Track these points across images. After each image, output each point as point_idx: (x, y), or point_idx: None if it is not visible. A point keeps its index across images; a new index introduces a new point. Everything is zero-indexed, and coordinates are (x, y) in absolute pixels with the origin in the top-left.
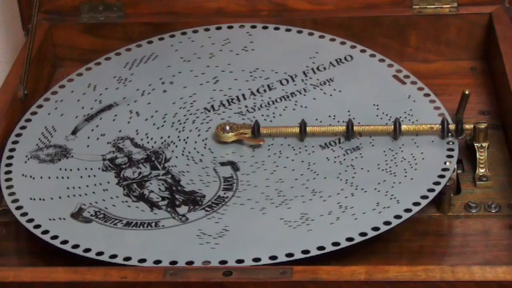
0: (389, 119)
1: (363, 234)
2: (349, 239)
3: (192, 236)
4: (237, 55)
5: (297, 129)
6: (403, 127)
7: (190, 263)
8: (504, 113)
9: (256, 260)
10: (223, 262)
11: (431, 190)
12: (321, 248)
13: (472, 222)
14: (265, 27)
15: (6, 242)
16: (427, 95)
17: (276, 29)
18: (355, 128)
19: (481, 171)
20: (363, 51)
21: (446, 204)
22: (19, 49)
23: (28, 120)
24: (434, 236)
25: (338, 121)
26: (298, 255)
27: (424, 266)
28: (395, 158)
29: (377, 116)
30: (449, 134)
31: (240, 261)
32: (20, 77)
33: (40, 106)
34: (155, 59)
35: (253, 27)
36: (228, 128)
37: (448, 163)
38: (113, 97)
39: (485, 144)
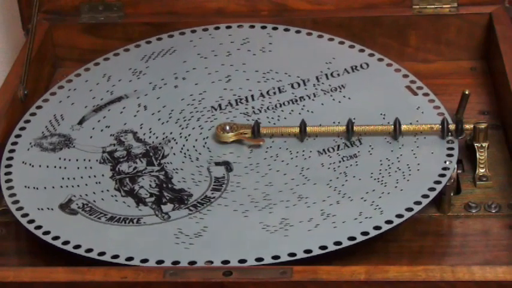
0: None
1: (337, 243)
2: (323, 247)
3: (170, 234)
4: (254, 55)
5: (297, 130)
6: (403, 127)
7: (160, 262)
8: (504, 113)
9: (225, 262)
10: (192, 263)
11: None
12: (292, 254)
13: (472, 222)
14: (286, 30)
15: (6, 242)
16: (380, 59)
17: (298, 32)
18: (355, 128)
19: (481, 171)
20: (380, 59)
21: (446, 204)
22: (19, 49)
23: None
24: (434, 236)
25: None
26: (268, 260)
27: (424, 266)
28: (390, 167)
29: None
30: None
31: (209, 262)
32: (20, 77)
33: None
34: (173, 53)
35: (275, 28)
36: (228, 128)
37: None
38: (125, 89)
39: (485, 144)
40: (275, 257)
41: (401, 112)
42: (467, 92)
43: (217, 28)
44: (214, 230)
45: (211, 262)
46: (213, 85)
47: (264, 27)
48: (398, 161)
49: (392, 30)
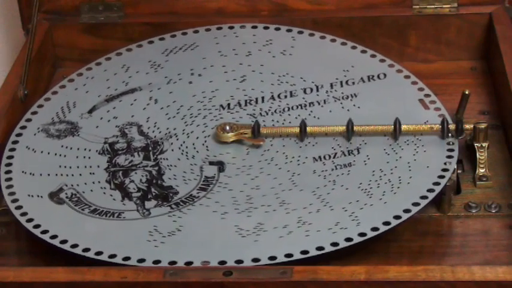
0: (396, 143)
1: (304, 252)
2: (288, 255)
3: (145, 231)
4: (273, 57)
5: (297, 130)
6: (403, 127)
7: (127, 258)
8: (504, 113)
9: (188, 263)
10: (156, 262)
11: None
12: (255, 260)
13: (472, 222)
14: (311, 35)
15: (6, 242)
16: (399, 71)
17: (322, 37)
18: (355, 128)
19: (481, 171)
20: (399, 71)
21: (446, 204)
22: (19, 49)
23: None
24: (434, 236)
25: (344, 136)
26: (231, 263)
27: (424, 266)
28: (381, 178)
29: (384, 136)
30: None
31: (172, 262)
32: (20, 77)
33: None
34: (194, 49)
35: (300, 32)
36: (228, 128)
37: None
38: (140, 81)
39: (485, 144)
40: (238, 261)
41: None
42: (467, 92)
43: (243, 27)
44: (187, 230)
45: (175, 262)
46: (226, 84)
47: (289, 30)
48: (392, 173)
49: (392, 30)
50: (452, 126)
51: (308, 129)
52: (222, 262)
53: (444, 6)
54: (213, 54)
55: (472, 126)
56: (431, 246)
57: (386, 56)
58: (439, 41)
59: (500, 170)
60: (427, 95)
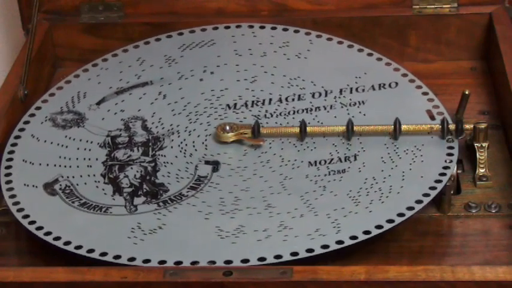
0: (395, 152)
1: (277, 256)
2: (261, 259)
3: (127, 228)
4: (288, 60)
5: (297, 129)
6: (403, 127)
7: (103, 254)
8: (504, 113)
9: (162, 262)
10: (131, 259)
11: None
12: (228, 262)
13: (472, 222)
14: (329, 39)
15: (6, 242)
16: (412, 80)
17: (340, 43)
18: (355, 128)
19: (481, 171)
20: (412, 81)
21: (446, 204)
22: (19, 49)
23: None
24: (434, 236)
25: (344, 142)
26: (203, 264)
27: (424, 266)
28: (372, 187)
29: (385, 144)
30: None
31: (146, 261)
32: (20, 77)
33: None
34: (211, 46)
35: (319, 36)
36: (228, 128)
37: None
38: (153, 75)
39: (485, 144)
40: (211, 262)
41: (410, 136)
42: (467, 92)
43: (262, 27)
44: (168, 229)
45: (149, 261)
46: (236, 83)
47: (308, 34)
48: (384, 182)
49: (392, 30)
50: (452, 126)
51: (308, 129)
52: (194, 263)
53: (444, 6)
54: (229, 53)
55: (472, 126)
56: (431, 246)
57: (387, 56)
58: (439, 41)
59: (500, 170)
60: (435, 106)
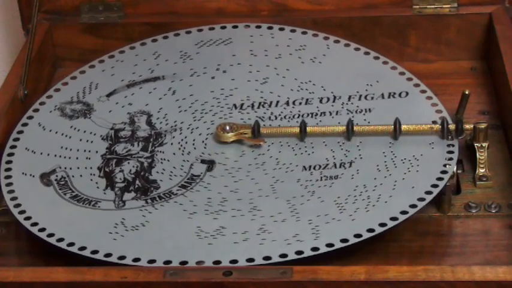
0: (392, 161)
1: (249, 260)
2: (233, 261)
3: (111, 224)
4: (302, 63)
5: (297, 129)
6: (403, 127)
7: (82, 248)
8: (504, 113)
9: (136, 260)
10: (107, 255)
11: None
12: (200, 262)
13: (472, 222)
14: (347, 45)
15: (6, 242)
16: (423, 91)
17: (357, 49)
18: (355, 128)
19: (481, 171)
20: (423, 91)
21: (446, 204)
22: (19, 49)
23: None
24: (434, 236)
25: (342, 149)
26: (175, 264)
27: (424, 266)
28: (361, 194)
29: (383, 152)
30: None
31: (121, 257)
32: (20, 77)
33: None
34: (228, 45)
35: (336, 42)
36: (228, 128)
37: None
38: (166, 70)
39: (485, 144)
40: (183, 263)
41: (410, 147)
42: (467, 92)
43: (281, 29)
44: (150, 227)
45: (124, 257)
46: (247, 84)
47: (326, 38)
48: (374, 190)
49: (392, 30)
50: (452, 126)
51: (308, 129)
52: (167, 262)
53: (444, 6)
54: (244, 53)
55: (472, 126)
56: (431, 246)
57: (387, 56)
58: (439, 41)
59: (500, 170)
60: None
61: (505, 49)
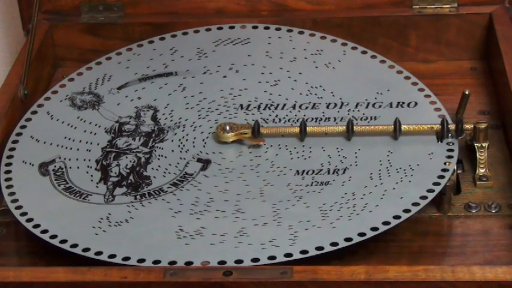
0: (386, 169)
1: (221, 262)
2: (206, 262)
3: (95, 218)
4: (316, 68)
5: (297, 129)
6: (403, 127)
7: (63, 242)
8: (504, 113)
9: (112, 256)
10: (85, 250)
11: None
12: (172, 262)
13: (472, 222)
14: (364, 52)
15: (6, 242)
16: (433, 102)
17: (373, 57)
18: (355, 128)
19: (481, 171)
20: (433, 102)
21: (446, 204)
22: (19, 49)
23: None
24: (434, 236)
25: (340, 154)
26: (149, 264)
27: (424, 266)
28: (347, 203)
29: (379, 161)
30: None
31: (98, 253)
32: (20, 77)
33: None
34: (245, 45)
35: (354, 48)
36: (228, 128)
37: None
38: (180, 66)
39: (485, 144)
40: (155, 262)
41: (412, 155)
42: (467, 92)
43: (301, 32)
44: (133, 223)
45: (101, 253)
46: (257, 85)
47: (344, 44)
48: (361, 199)
49: (392, 30)
50: (452, 126)
51: (308, 129)
52: (141, 260)
53: (444, 6)
54: (260, 54)
55: (472, 126)
56: (431, 246)
57: (387, 56)
58: (439, 41)
59: (500, 170)
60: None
61: (505, 49)
